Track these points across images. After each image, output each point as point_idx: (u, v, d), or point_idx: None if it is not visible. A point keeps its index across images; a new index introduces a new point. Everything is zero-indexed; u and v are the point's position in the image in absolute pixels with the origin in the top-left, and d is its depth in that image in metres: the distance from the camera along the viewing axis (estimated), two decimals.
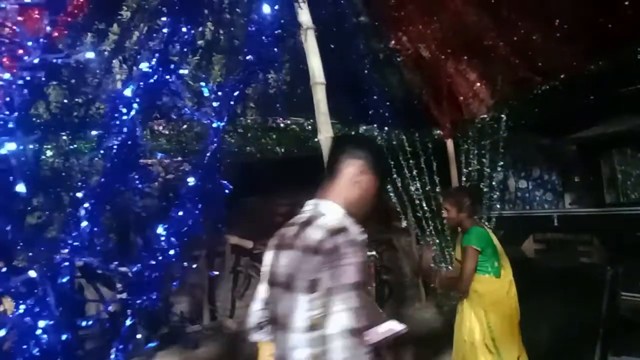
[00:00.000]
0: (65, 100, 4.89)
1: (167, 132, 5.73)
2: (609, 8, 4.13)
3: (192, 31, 2.35)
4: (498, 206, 6.12)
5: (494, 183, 6.18)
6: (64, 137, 5.14)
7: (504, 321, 2.93)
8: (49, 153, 5.00)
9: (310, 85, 3.24)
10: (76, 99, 5.16)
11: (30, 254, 1.26)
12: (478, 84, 5.76)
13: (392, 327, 1.38)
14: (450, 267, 5.71)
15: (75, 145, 5.12)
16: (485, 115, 5.96)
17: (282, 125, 6.38)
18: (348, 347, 1.15)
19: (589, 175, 6.82)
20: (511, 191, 7.62)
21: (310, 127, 6.31)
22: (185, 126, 5.56)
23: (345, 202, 1.33)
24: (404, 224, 6.72)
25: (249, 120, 6.18)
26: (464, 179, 6.18)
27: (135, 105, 1.54)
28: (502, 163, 6.10)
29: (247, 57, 2.89)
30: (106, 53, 5.17)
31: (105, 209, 1.43)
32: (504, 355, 2.86)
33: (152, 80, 1.89)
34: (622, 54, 4.65)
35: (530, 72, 5.24)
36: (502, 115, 5.83)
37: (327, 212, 1.31)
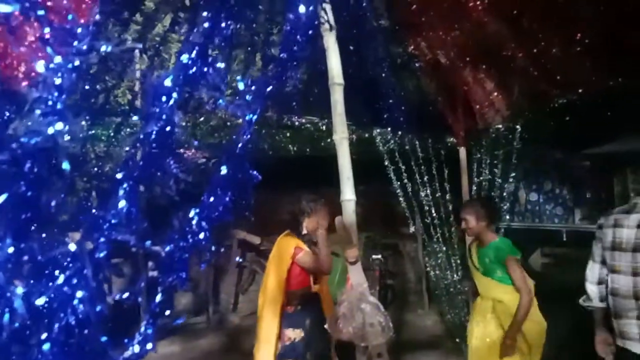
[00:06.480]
0: (87, 87, 4.98)
1: (182, 124, 5.78)
2: (632, 23, 4.12)
3: (214, 28, 2.39)
4: (507, 217, 6.11)
5: (504, 194, 6.17)
6: (83, 123, 5.22)
7: (533, 327, 3.01)
8: (67, 137, 5.07)
9: (326, 86, 3.27)
10: (97, 86, 5.25)
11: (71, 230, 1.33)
12: (495, 94, 5.75)
13: None
14: (456, 275, 5.71)
15: (93, 131, 5.20)
16: (500, 126, 5.96)
17: (296, 123, 6.42)
18: None
19: (600, 192, 6.80)
20: (521, 203, 7.59)
21: (324, 127, 6.34)
22: (202, 119, 5.62)
23: None
24: (411, 229, 6.74)
25: (264, 117, 6.22)
26: (474, 188, 6.18)
27: (174, 95, 1.60)
28: (513, 174, 6.09)
29: (268, 55, 2.93)
30: (129, 42, 5.24)
31: (141, 191, 1.49)
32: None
33: (176, 75, 1.94)
34: None
35: (548, 84, 5.23)
36: (517, 127, 5.82)
37: None
